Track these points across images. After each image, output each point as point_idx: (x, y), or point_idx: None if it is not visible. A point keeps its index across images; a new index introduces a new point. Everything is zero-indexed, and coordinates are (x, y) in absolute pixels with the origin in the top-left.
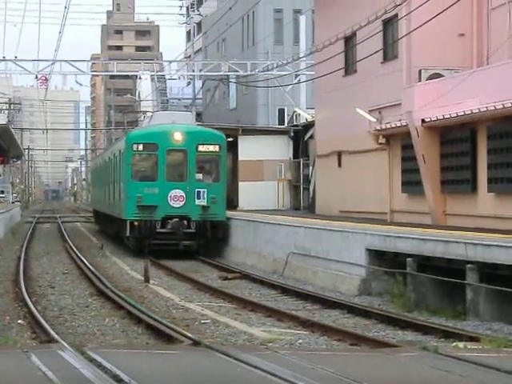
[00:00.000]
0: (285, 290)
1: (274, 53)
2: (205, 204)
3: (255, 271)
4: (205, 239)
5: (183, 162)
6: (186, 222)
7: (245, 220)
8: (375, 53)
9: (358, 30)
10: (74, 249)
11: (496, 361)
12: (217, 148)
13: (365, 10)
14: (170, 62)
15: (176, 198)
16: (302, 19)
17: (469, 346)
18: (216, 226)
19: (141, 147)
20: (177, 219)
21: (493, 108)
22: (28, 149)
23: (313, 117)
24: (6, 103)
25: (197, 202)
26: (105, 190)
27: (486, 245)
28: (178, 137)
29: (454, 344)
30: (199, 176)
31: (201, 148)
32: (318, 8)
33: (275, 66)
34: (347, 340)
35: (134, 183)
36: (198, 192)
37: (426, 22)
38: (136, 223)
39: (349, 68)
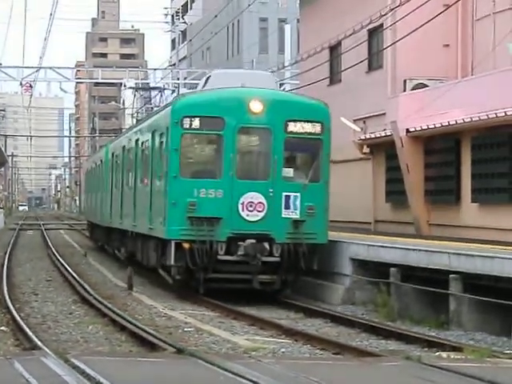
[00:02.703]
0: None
1: (259, 62)
2: (297, 217)
3: None
4: (295, 273)
5: (264, 148)
6: (266, 244)
7: None
8: (360, 62)
9: (343, 39)
10: (58, 256)
11: (479, 371)
12: (317, 128)
13: (350, 20)
14: (155, 69)
15: (252, 206)
16: (287, 28)
17: (452, 356)
18: (312, 253)
19: (196, 123)
20: (252, 241)
21: (477, 119)
22: (12, 155)
23: None
24: None
25: (284, 213)
26: (115, 195)
27: (469, 255)
28: (257, 107)
29: (437, 354)
30: (289, 172)
31: (292, 127)
32: (303, 17)
33: None
34: (330, 349)
35: (184, 181)
36: (287, 198)
37: (411, 32)
38: (186, 246)
39: (334, 77)
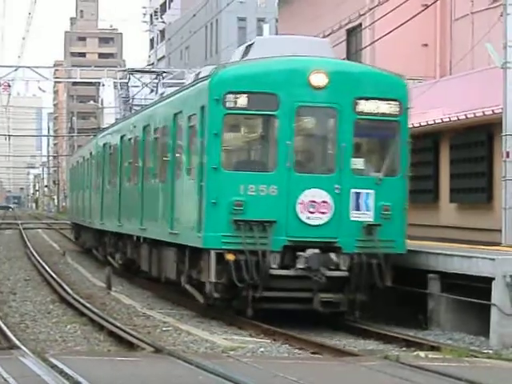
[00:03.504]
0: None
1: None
2: (370, 220)
3: None
4: (366, 291)
5: (329, 133)
6: (333, 255)
7: None
8: None
9: (322, 38)
10: (36, 255)
11: (457, 370)
12: (395, 107)
13: (329, 19)
14: (133, 69)
15: (314, 206)
16: (266, 28)
17: (430, 356)
18: (386, 265)
19: (243, 101)
20: (315, 250)
21: (456, 118)
22: None
23: None
24: None
25: (353, 215)
26: (109, 193)
27: (447, 255)
28: (320, 81)
29: (416, 353)
30: (359, 163)
31: (364, 106)
32: (281, 17)
33: None
34: (309, 348)
35: (227, 175)
36: (357, 195)
37: (389, 32)
38: (230, 257)
39: None
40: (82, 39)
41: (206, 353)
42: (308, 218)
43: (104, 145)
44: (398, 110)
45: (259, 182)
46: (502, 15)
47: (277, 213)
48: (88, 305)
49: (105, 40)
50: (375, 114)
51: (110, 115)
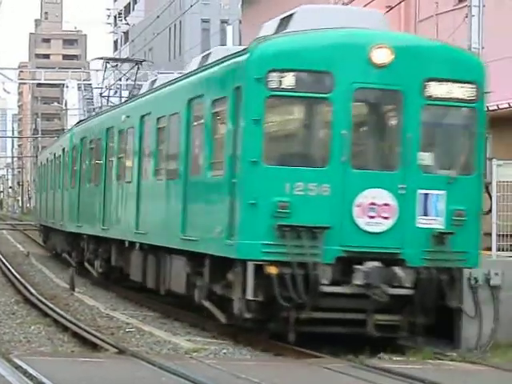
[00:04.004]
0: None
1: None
2: (441, 227)
3: None
4: (432, 312)
5: (392, 121)
6: (398, 270)
7: None
8: None
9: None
10: (0, 256)
11: (420, 372)
12: (471, 92)
13: None
14: (97, 70)
15: (374, 209)
16: (229, 29)
17: (394, 358)
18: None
19: (290, 81)
20: (376, 263)
21: None
22: None
23: None
24: None
25: (420, 221)
26: (87, 192)
27: None
28: (383, 58)
29: (379, 356)
30: (428, 158)
31: (434, 89)
32: (245, 18)
33: None
34: (272, 350)
35: (270, 171)
36: (425, 197)
37: None
38: (272, 270)
39: None
40: (47, 41)
41: (169, 354)
42: (367, 223)
43: (82, 139)
44: (474, 94)
45: (308, 179)
46: (466, 17)
47: (329, 217)
48: (52, 306)
49: (69, 42)
50: (448, 100)
51: (74, 117)
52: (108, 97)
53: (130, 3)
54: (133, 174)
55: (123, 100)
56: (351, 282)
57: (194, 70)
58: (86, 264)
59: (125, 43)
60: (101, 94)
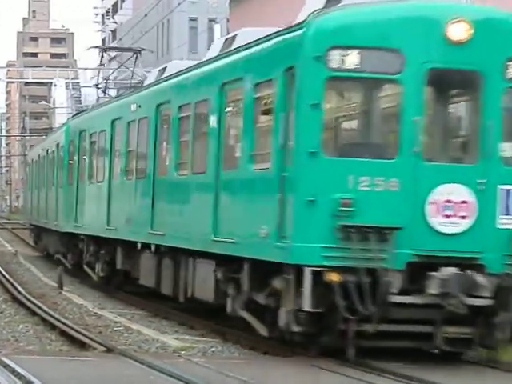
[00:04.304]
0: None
1: (189, 60)
2: None
3: None
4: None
5: (470, 107)
6: (479, 277)
7: None
8: None
9: None
10: None
11: (416, 372)
12: None
13: (280, 19)
14: (85, 69)
15: (450, 208)
16: (217, 28)
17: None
18: None
19: (354, 60)
20: (453, 269)
21: None
22: None
23: None
24: None
25: (501, 221)
26: (86, 190)
27: None
28: (459, 34)
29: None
30: (509, 150)
31: None
32: (232, 17)
33: None
34: (260, 348)
35: (330, 163)
36: (508, 194)
37: None
38: (334, 278)
39: None
40: (35, 39)
41: (157, 353)
42: (442, 223)
43: (81, 133)
44: None
45: (375, 172)
46: None
47: (399, 216)
48: (40, 304)
49: (57, 40)
50: None
51: (62, 115)
52: (105, 89)
53: (117, 2)
54: (146, 170)
55: (120, 92)
56: (423, 290)
57: (228, 52)
58: (86, 267)
59: (112, 41)
60: (97, 85)
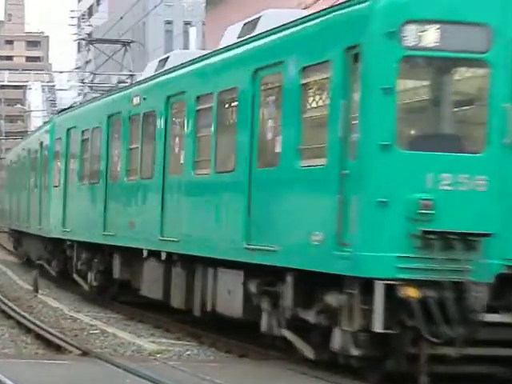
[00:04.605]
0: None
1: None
2: None
3: None
4: None
5: None
6: None
7: None
8: None
9: None
10: None
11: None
12: None
13: None
14: (61, 72)
15: None
16: (193, 31)
17: None
18: None
19: (433, 36)
20: None
21: None
22: None
23: None
24: None
25: None
26: (77, 192)
27: None
28: None
29: None
30: None
31: None
32: (208, 20)
33: None
34: (236, 351)
35: (406, 157)
36: None
37: None
38: (412, 293)
39: None
40: (10, 42)
41: (133, 356)
42: None
43: (69, 130)
44: None
45: (458, 169)
46: None
47: (488, 220)
48: (15, 307)
49: (32, 43)
50: None
51: (38, 118)
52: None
53: (93, 5)
54: (156, 168)
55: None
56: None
57: (263, 33)
58: (76, 276)
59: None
60: (82, 80)
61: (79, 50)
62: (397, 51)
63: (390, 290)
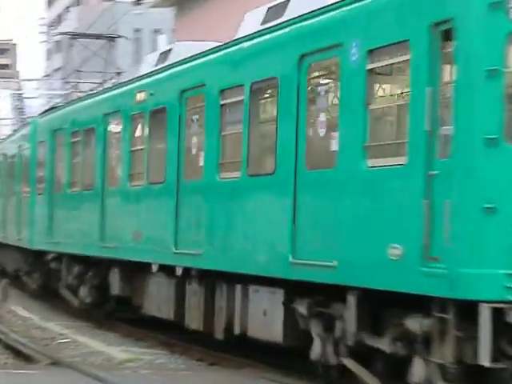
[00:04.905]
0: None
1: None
2: None
3: None
4: None
5: None
6: None
7: None
8: None
9: None
10: None
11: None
12: None
13: (226, 31)
14: (30, 80)
15: None
16: (162, 39)
17: None
18: None
19: None
20: None
21: None
22: None
23: None
24: None
25: None
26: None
27: None
28: None
29: None
30: None
31: None
32: (178, 28)
33: None
34: (207, 360)
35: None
36: None
37: None
38: None
39: None
40: None
41: (104, 364)
42: None
43: (55, 132)
44: None
45: None
46: None
47: None
48: None
49: (0, 51)
50: None
51: (6, 126)
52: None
53: (62, 12)
54: (166, 173)
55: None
56: None
57: (309, 13)
58: (64, 291)
59: (57, 52)
60: (64, 78)
61: (48, 58)
62: (503, 25)
63: (496, 315)
